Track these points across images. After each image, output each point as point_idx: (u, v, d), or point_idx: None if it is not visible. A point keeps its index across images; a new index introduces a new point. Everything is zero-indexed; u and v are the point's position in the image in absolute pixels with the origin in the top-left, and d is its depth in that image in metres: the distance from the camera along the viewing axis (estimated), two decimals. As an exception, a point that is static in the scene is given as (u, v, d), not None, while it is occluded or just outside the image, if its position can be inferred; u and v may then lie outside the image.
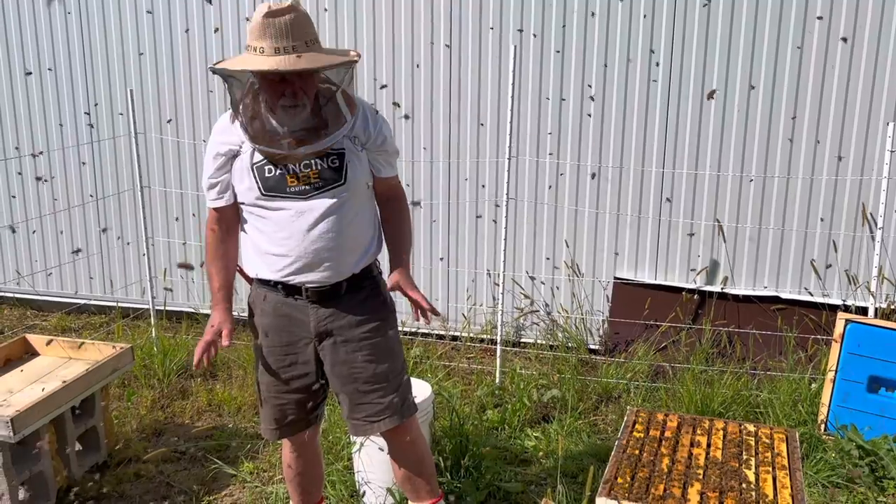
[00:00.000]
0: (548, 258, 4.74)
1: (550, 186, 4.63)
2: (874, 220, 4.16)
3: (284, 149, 2.29)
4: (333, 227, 2.36)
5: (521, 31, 4.46)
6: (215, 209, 2.48)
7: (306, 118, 2.29)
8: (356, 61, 2.31)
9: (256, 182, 2.35)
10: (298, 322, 2.47)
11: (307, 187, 2.33)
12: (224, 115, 2.43)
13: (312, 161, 2.33)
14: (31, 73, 5.16)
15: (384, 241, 2.61)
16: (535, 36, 4.45)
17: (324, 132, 2.30)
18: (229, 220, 2.50)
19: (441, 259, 4.87)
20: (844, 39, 4.14)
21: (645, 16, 4.31)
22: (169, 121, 5.02)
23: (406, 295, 2.52)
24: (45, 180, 5.30)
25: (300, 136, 2.29)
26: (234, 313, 2.54)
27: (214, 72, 2.29)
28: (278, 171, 2.33)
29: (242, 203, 2.42)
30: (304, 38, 2.21)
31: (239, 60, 2.27)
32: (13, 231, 5.41)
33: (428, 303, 2.51)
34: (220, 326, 2.47)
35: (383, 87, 4.71)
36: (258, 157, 2.35)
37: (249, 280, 2.56)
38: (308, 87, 2.27)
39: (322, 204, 2.34)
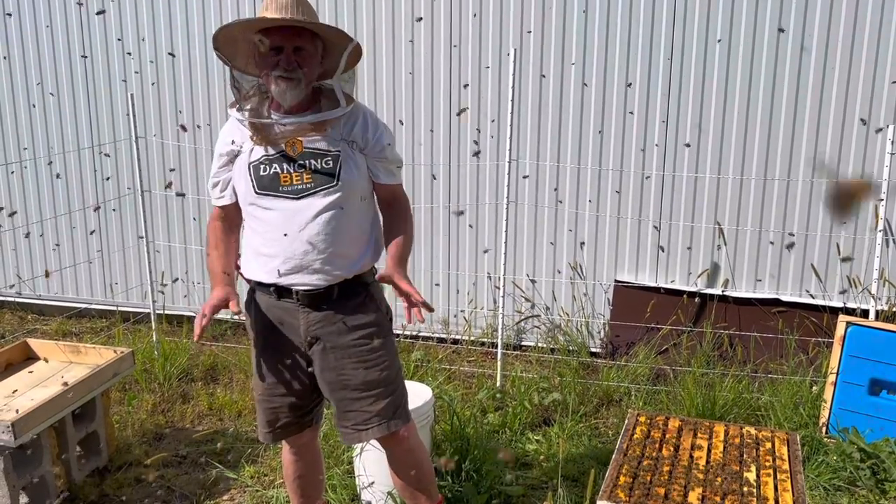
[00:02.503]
0: (548, 261, 4.74)
1: (552, 189, 4.63)
2: (876, 222, 4.16)
3: (272, 120, 2.32)
4: (324, 230, 2.35)
5: (521, 31, 4.48)
6: (218, 207, 2.51)
7: (300, 95, 2.32)
8: (353, 40, 2.34)
9: (251, 181, 2.36)
10: (289, 326, 2.46)
11: (299, 187, 2.34)
12: (230, 117, 2.45)
13: (306, 161, 2.34)
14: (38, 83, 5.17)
15: (386, 249, 2.58)
16: (533, 35, 4.46)
17: (315, 108, 2.35)
18: (231, 220, 2.53)
19: (442, 243, 4.88)
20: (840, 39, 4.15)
21: (643, 16, 4.32)
22: (183, 128, 5.03)
23: (396, 286, 2.40)
24: (56, 179, 5.31)
25: (292, 111, 2.34)
26: (235, 316, 2.55)
27: (217, 48, 2.34)
28: (272, 171, 2.34)
29: (241, 203, 2.44)
30: (307, 16, 2.29)
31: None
32: (27, 235, 5.42)
33: (420, 296, 2.38)
34: (226, 295, 2.38)
35: (396, 91, 4.72)
36: (255, 155, 2.37)
37: (249, 281, 2.56)
38: (304, 61, 2.30)
39: (314, 204, 2.34)
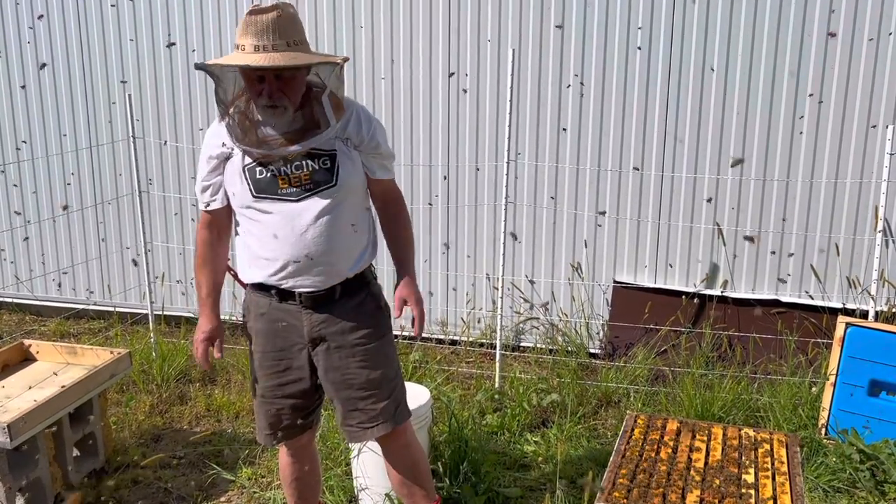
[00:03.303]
0: (547, 262, 4.73)
1: (549, 190, 4.63)
2: (876, 222, 4.15)
3: (261, 147, 2.29)
4: (326, 230, 2.34)
5: (520, 30, 4.47)
6: (208, 212, 2.49)
7: (288, 120, 2.28)
8: (338, 63, 2.29)
9: (248, 184, 2.34)
10: (292, 327, 2.46)
11: (298, 189, 2.32)
12: (217, 119, 2.43)
13: (304, 162, 2.32)
14: (24, 86, 5.16)
15: (388, 249, 2.62)
16: (533, 37, 4.46)
17: (308, 134, 2.30)
18: (221, 224, 2.51)
19: (443, 250, 4.87)
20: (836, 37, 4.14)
21: (641, 25, 4.32)
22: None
23: (408, 305, 2.56)
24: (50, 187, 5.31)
25: (277, 137, 2.30)
26: (233, 317, 2.55)
27: (198, 67, 2.29)
28: (269, 174, 2.32)
29: (236, 207, 2.42)
30: (288, 38, 2.20)
31: (223, 58, 2.29)
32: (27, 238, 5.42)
33: (421, 325, 2.54)
34: (211, 334, 2.54)
35: (382, 78, 4.71)
36: (249, 158, 2.34)
37: (244, 285, 2.55)
38: (288, 88, 2.25)
39: (314, 206, 2.32)
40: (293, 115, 2.30)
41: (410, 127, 4.72)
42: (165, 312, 5.11)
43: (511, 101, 4.15)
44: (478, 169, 4.68)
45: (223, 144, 2.37)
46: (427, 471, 2.68)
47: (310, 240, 2.33)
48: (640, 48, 4.35)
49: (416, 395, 3.18)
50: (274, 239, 2.35)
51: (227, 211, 2.46)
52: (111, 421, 3.69)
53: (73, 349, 3.61)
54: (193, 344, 2.57)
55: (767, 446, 2.71)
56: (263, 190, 2.33)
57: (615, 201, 4.55)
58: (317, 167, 2.32)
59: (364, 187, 2.47)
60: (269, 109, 2.26)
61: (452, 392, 4.06)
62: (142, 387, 4.26)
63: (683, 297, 4.47)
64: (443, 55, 4.59)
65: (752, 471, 2.56)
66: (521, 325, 4.80)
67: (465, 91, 4.59)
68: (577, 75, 4.45)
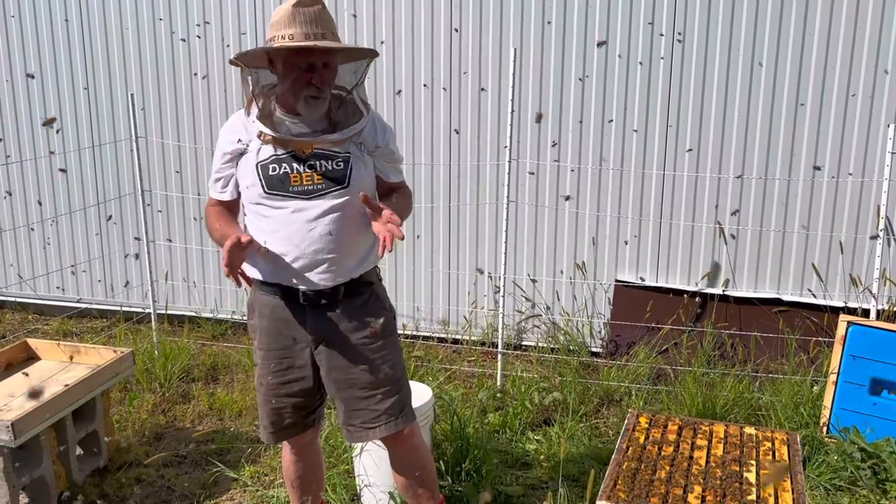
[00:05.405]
0: (549, 261, 4.73)
1: (551, 189, 4.63)
2: (878, 222, 4.15)
3: (298, 137, 2.33)
4: (333, 230, 2.36)
5: (521, 29, 4.48)
6: (218, 201, 2.51)
7: (324, 112, 2.35)
8: (377, 54, 2.40)
9: (260, 180, 2.36)
10: (295, 326, 2.47)
11: (310, 187, 2.35)
12: (233, 115, 2.47)
13: (317, 162, 2.35)
14: (32, 77, 5.17)
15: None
16: (535, 34, 4.46)
17: (339, 125, 2.37)
18: (231, 211, 2.53)
19: (445, 249, 4.87)
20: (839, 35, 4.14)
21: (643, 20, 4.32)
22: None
23: (372, 207, 2.29)
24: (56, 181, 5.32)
25: (316, 127, 2.35)
26: (235, 315, 2.54)
27: (238, 57, 2.31)
28: (282, 171, 2.35)
29: (246, 202, 2.43)
30: (329, 31, 2.30)
31: (277, 42, 2.27)
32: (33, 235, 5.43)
33: (396, 217, 2.23)
34: (236, 234, 2.27)
35: (399, 92, 4.71)
36: (263, 155, 2.37)
37: (249, 282, 2.56)
38: (330, 78, 2.33)
39: (323, 205, 2.35)
40: (326, 108, 2.35)
41: (412, 125, 4.73)
42: (168, 311, 5.12)
43: (512, 99, 4.16)
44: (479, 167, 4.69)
45: (238, 140, 2.40)
46: (433, 473, 2.68)
47: (318, 237, 2.35)
48: (640, 49, 4.36)
49: (419, 393, 3.19)
50: (281, 235, 2.37)
51: (236, 203, 2.50)
52: (114, 420, 3.70)
53: (76, 348, 3.62)
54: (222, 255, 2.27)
55: (769, 444, 2.72)
56: (275, 186, 2.35)
57: (616, 200, 4.56)
58: (330, 167, 2.36)
59: (374, 190, 2.49)
60: (311, 101, 2.30)
61: (454, 391, 4.07)
62: (145, 385, 4.27)
63: (685, 295, 4.47)
64: (444, 52, 4.59)
65: (753, 469, 2.57)
66: (523, 323, 4.81)
67: (465, 72, 4.60)
68: (580, 78, 4.46)
